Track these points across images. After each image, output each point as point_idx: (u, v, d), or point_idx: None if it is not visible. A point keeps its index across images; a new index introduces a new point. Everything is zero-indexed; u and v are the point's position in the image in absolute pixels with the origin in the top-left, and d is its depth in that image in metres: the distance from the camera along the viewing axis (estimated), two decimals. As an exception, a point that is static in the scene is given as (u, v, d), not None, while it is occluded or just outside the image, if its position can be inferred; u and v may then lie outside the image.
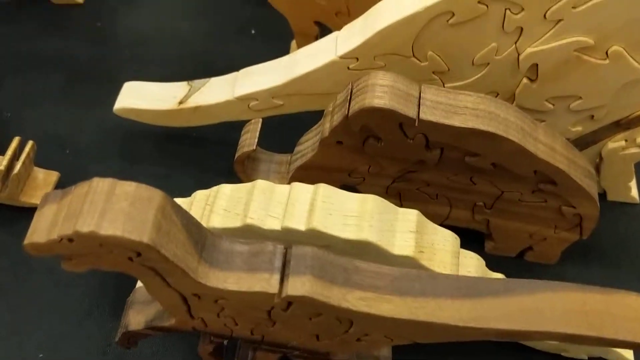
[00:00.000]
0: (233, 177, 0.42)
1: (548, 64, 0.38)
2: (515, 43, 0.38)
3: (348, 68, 0.41)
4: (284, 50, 0.55)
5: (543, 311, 0.29)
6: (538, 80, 0.40)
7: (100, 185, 0.26)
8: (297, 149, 0.42)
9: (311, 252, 0.29)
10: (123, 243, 0.25)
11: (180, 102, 0.46)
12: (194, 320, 0.31)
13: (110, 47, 0.58)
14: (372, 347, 0.36)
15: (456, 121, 0.35)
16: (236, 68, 0.46)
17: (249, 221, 0.34)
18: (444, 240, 0.35)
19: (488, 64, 0.39)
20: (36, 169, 0.46)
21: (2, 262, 0.44)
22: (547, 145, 0.36)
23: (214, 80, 0.47)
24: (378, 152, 0.38)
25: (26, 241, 0.26)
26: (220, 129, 0.48)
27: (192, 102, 0.46)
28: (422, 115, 0.35)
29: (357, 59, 0.40)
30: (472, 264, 0.36)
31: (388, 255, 0.33)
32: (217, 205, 0.35)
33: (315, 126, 0.41)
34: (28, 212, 0.45)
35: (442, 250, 0.35)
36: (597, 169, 0.47)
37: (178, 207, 0.27)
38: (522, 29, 0.37)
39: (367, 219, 0.33)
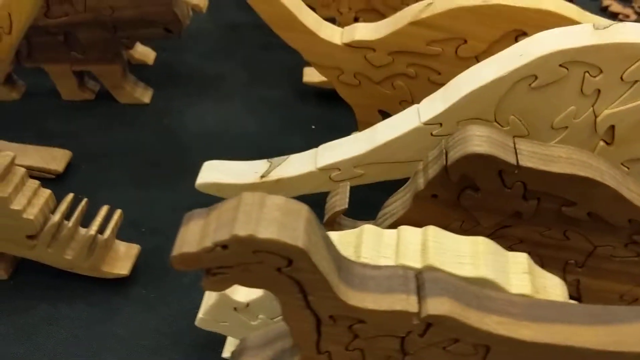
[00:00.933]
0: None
1: (625, 125, 0.41)
2: (593, 105, 0.41)
3: (431, 134, 0.43)
4: (346, 141, 0.58)
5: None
6: (614, 142, 0.42)
7: (250, 198, 0.26)
8: (382, 212, 0.43)
9: (443, 277, 0.29)
10: (279, 247, 0.25)
11: (262, 176, 0.48)
12: (320, 355, 0.30)
13: (177, 141, 0.61)
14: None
15: (554, 168, 0.36)
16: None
17: (362, 260, 0.34)
18: (554, 285, 0.35)
19: (567, 127, 0.42)
20: (117, 241, 0.46)
21: (79, 332, 0.43)
22: (638, 193, 0.38)
23: (293, 156, 0.49)
24: (474, 204, 0.39)
25: (174, 252, 0.26)
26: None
27: (274, 175, 0.47)
28: (522, 162, 0.36)
29: (441, 125, 0.42)
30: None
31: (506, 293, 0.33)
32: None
33: (402, 189, 0.42)
34: (105, 284, 0.45)
35: (554, 295, 0.34)
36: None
37: (320, 224, 0.28)
38: (599, 91, 0.40)
39: (480, 258, 0.33)
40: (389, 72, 0.52)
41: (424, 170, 0.39)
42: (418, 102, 0.53)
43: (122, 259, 0.45)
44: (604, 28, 0.38)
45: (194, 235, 0.26)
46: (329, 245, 0.28)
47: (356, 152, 0.45)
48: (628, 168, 0.43)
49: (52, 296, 0.45)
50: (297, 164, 0.48)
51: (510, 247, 0.41)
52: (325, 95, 0.65)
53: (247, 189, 0.48)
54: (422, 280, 0.29)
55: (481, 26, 0.48)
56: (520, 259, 0.34)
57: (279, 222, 0.26)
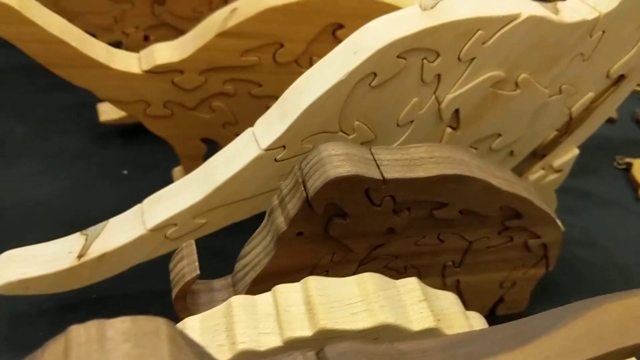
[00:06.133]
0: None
1: (468, 106, 0.38)
2: (435, 93, 0.38)
3: (275, 160, 0.37)
4: (169, 180, 0.50)
5: (603, 330, 0.26)
6: (460, 126, 0.39)
7: (82, 333, 0.18)
8: (239, 264, 0.36)
9: (349, 348, 0.23)
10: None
11: (80, 256, 0.38)
12: None
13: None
14: None
15: (421, 172, 0.32)
16: (122, 210, 0.40)
17: (240, 347, 0.27)
18: (450, 303, 0.31)
19: (412, 121, 0.38)
20: None
21: None
22: (504, 178, 0.35)
23: (113, 220, 0.40)
24: (344, 232, 0.33)
25: None
26: (124, 278, 0.40)
27: (94, 251, 0.38)
28: (387, 175, 0.32)
29: (284, 147, 0.37)
30: (477, 322, 0.33)
31: (408, 333, 0.28)
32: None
33: (258, 231, 0.36)
34: None
35: (454, 313, 0.31)
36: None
37: (185, 335, 0.21)
38: (439, 76, 0.37)
39: (372, 299, 0.28)
40: (204, 93, 0.45)
41: (281, 207, 0.33)
42: (243, 121, 0.47)
43: None
44: (432, 8, 0.35)
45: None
46: (202, 356, 0.21)
47: (193, 199, 0.38)
48: (476, 149, 0.41)
49: None
50: (121, 230, 0.39)
51: (385, 266, 0.37)
52: (131, 132, 0.56)
53: (64, 278, 0.38)
54: (326, 360, 0.23)
55: (295, 26, 0.43)
56: (412, 286, 0.30)
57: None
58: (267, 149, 0.37)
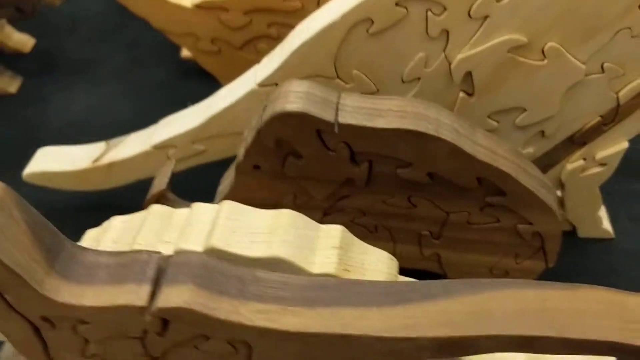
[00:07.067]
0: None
1: (483, 71, 0.35)
2: (444, 51, 0.35)
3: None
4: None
5: (492, 313, 0.23)
6: (475, 92, 0.36)
7: None
8: (218, 190, 0.37)
9: (197, 260, 0.23)
10: None
11: (95, 161, 0.42)
12: (56, 367, 0.25)
13: (35, 132, 0.55)
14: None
15: (379, 123, 0.30)
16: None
17: (134, 248, 0.28)
18: (378, 260, 0.29)
19: (419, 78, 0.36)
20: None
21: None
22: (488, 148, 0.32)
23: (133, 135, 0.43)
24: (300, 173, 0.33)
25: None
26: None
27: (106, 158, 0.42)
28: (341, 119, 0.31)
29: (277, 85, 0.37)
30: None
31: (306, 274, 0.27)
32: (105, 239, 0.29)
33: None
34: None
35: (375, 271, 0.29)
36: (562, 202, 0.42)
37: (25, 205, 0.22)
38: (448, 32, 0.34)
39: (279, 234, 0.28)
40: (249, 34, 0.47)
41: (245, 138, 0.34)
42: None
43: None
44: (440, -44, 0.33)
45: None
46: (38, 230, 0.22)
47: (191, 124, 0.39)
48: (498, 122, 0.37)
49: None
50: (132, 144, 0.42)
51: (352, 221, 0.35)
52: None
53: (78, 178, 0.42)
54: (166, 266, 0.23)
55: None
56: (333, 233, 0.29)
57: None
58: (261, 85, 0.37)
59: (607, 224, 0.43)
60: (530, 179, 0.32)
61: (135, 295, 0.22)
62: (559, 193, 0.42)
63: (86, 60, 0.64)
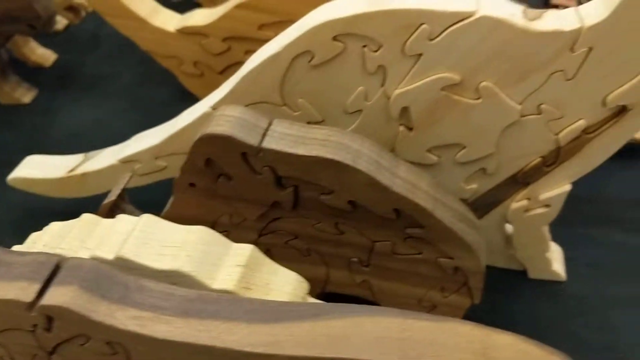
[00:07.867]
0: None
1: (419, 107, 0.36)
2: (382, 85, 0.36)
3: (221, 120, 0.39)
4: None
5: (350, 337, 0.24)
6: (415, 127, 0.37)
7: None
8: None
9: (89, 265, 0.26)
10: None
11: (70, 171, 0.45)
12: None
13: (39, 140, 0.59)
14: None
15: (300, 150, 0.32)
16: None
17: (57, 252, 0.30)
18: (286, 282, 0.31)
19: (361, 110, 0.37)
20: None
21: None
22: (407, 181, 0.33)
23: (108, 148, 0.46)
24: (232, 193, 0.35)
25: None
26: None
27: (80, 170, 0.45)
28: (265, 144, 0.32)
29: (224, 109, 0.39)
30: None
31: (206, 289, 0.29)
32: (40, 241, 0.32)
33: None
34: None
35: (280, 292, 0.30)
36: (510, 241, 0.42)
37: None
38: (385, 68, 0.35)
39: (187, 249, 0.30)
40: (229, 60, 0.49)
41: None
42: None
43: None
44: (378, -5, 0.34)
45: None
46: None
47: (154, 141, 0.42)
48: (439, 157, 0.38)
49: None
50: (105, 157, 0.45)
51: (286, 243, 0.37)
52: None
53: (55, 186, 0.46)
54: (60, 268, 0.25)
55: (311, 6, 0.45)
56: (241, 251, 0.30)
57: None
58: (213, 107, 0.39)
59: (558, 267, 0.43)
60: (449, 212, 0.33)
61: (23, 291, 0.24)
62: (510, 231, 0.42)
63: (100, 75, 0.69)
